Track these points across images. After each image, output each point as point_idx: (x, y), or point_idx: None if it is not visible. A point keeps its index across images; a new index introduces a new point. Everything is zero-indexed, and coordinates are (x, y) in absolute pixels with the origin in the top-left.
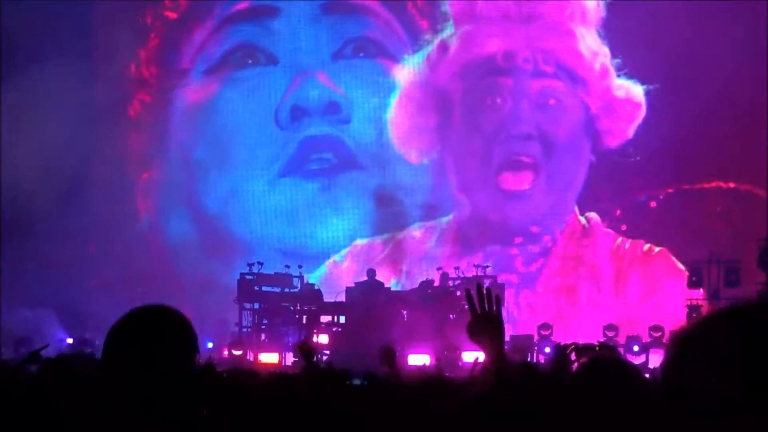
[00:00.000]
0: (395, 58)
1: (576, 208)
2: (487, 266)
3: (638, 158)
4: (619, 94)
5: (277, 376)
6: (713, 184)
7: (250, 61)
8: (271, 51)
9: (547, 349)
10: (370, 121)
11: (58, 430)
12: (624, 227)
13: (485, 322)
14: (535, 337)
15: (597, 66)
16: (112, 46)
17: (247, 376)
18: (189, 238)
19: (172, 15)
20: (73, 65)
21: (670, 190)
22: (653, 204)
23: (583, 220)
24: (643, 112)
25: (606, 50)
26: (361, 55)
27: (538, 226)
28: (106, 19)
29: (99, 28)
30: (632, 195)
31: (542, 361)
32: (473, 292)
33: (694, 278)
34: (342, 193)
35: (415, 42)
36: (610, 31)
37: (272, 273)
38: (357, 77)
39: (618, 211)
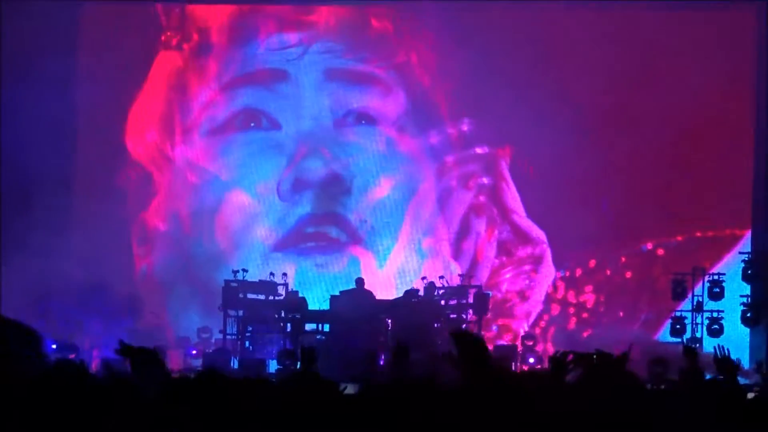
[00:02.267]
0: (397, 126)
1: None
2: (471, 276)
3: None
4: None
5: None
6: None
7: (252, 124)
8: (274, 116)
9: (531, 360)
10: (371, 192)
11: None
12: (629, 274)
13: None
14: (519, 348)
15: None
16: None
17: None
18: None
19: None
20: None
21: (679, 238)
22: (660, 252)
23: None
24: None
25: None
26: (363, 122)
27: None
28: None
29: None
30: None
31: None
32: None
33: (678, 290)
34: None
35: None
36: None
37: (257, 280)
38: (359, 146)
39: (623, 258)
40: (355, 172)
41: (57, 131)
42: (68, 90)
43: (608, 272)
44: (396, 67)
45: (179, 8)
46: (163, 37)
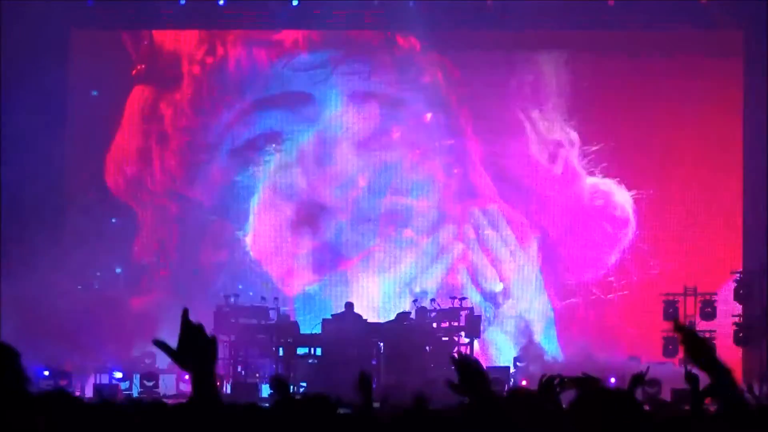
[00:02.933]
0: (423, 147)
1: None
2: (464, 298)
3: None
4: (596, 203)
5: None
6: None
7: (273, 146)
8: (297, 138)
9: (524, 382)
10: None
11: None
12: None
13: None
14: (512, 369)
15: (558, 168)
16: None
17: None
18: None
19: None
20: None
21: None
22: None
23: None
24: (631, 230)
25: (573, 136)
26: (387, 144)
27: None
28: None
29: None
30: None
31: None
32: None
33: (670, 310)
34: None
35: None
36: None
37: (248, 305)
38: (380, 171)
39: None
40: (380, 193)
41: (51, 139)
42: (63, 98)
43: (624, 285)
44: (422, 87)
45: (148, 39)
46: (134, 72)
